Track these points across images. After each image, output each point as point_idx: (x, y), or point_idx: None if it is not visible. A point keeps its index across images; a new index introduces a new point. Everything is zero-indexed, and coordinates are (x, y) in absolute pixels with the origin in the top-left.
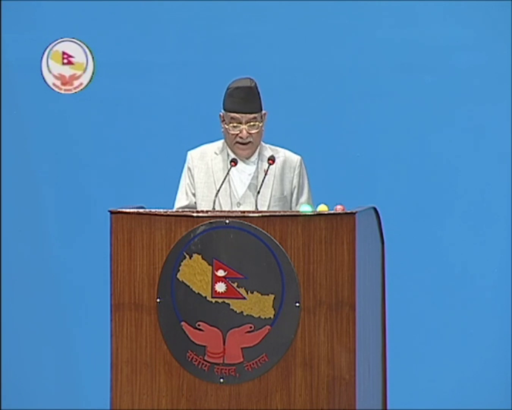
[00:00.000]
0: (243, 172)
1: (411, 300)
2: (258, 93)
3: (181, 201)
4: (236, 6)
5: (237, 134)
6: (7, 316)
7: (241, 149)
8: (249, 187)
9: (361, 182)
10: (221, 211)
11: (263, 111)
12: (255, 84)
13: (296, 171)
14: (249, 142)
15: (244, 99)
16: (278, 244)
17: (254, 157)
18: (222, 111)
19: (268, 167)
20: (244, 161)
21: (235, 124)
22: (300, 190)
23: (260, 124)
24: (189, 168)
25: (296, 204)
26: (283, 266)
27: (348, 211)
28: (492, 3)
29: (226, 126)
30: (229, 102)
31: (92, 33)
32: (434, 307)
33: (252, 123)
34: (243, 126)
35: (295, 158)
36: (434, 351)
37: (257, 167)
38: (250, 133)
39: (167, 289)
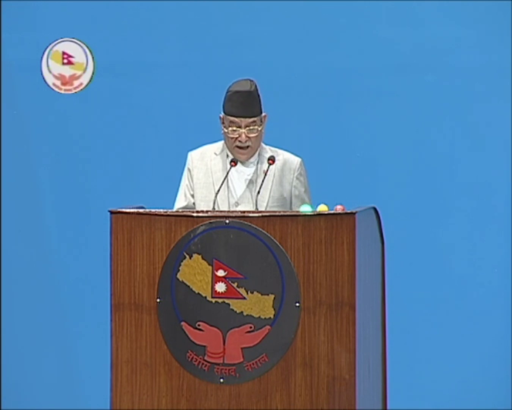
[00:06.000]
0: (242, 173)
1: (411, 300)
2: (258, 96)
3: (180, 202)
4: (236, 6)
5: (236, 138)
6: (7, 316)
7: (240, 153)
8: (247, 187)
9: (361, 182)
10: (221, 211)
11: (263, 114)
12: (255, 87)
13: (296, 173)
14: (248, 146)
15: (243, 104)
16: (278, 244)
17: (254, 158)
18: (222, 113)
19: (268, 167)
20: (243, 162)
21: (234, 128)
22: (299, 192)
23: (259, 128)
24: (188, 169)
25: (296, 205)
26: (283, 266)
27: (348, 211)
28: (492, 3)
29: (225, 130)
30: (228, 106)
31: (92, 33)
32: (434, 307)
33: (251, 127)
34: (242, 131)
35: (295, 160)
36: (434, 351)
37: (257, 168)
38: (248, 137)
39: (167, 289)
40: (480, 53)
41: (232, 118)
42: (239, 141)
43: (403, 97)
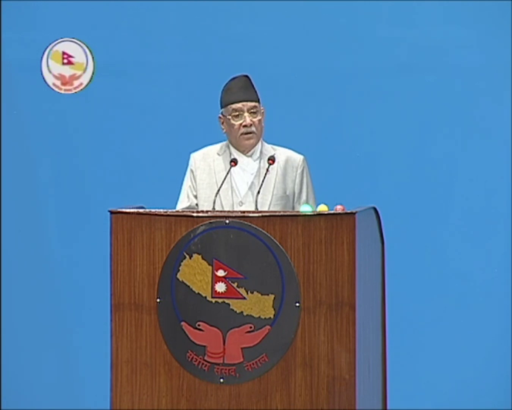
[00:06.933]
0: (245, 172)
1: (411, 300)
2: (254, 85)
3: (182, 203)
4: (236, 6)
5: (241, 124)
6: (7, 316)
7: (246, 139)
8: (250, 186)
9: (361, 182)
10: (221, 211)
11: (262, 107)
12: (250, 78)
13: (299, 171)
14: (253, 132)
15: (242, 88)
16: (278, 244)
17: (256, 156)
18: (221, 110)
19: (268, 167)
20: (246, 161)
21: (237, 114)
22: (302, 189)
23: (260, 118)
24: (191, 171)
25: (299, 203)
26: (283, 266)
27: (348, 211)
28: (492, 3)
29: (229, 118)
30: (227, 96)
31: (92, 33)
32: (434, 307)
33: (253, 111)
34: (246, 114)
35: (298, 158)
36: (434, 351)
37: (259, 167)
38: (252, 121)
39: (167, 289)
40: (480, 53)
41: (234, 106)
42: (244, 126)
43: (403, 97)
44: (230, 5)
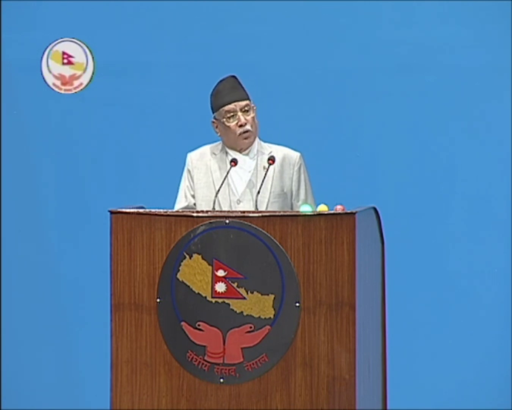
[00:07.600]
0: (242, 170)
1: (411, 300)
2: (242, 84)
3: (180, 203)
4: (236, 6)
5: (237, 125)
6: (7, 316)
7: (244, 138)
8: (248, 185)
9: (361, 182)
10: (221, 211)
11: (253, 104)
12: (237, 77)
13: (296, 168)
14: (249, 130)
15: (232, 89)
16: (278, 244)
17: (252, 154)
18: (214, 115)
19: (268, 167)
20: (242, 159)
21: (231, 115)
22: (300, 186)
23: (253, 115)
24: (188, 170)
25: (297, 200)
26: (283, 266)
27: (348, 211)
28: (492, 3)
29: (224, 121)
30: (219, 99)
31: (92, 33)
32: (434, 307)
33: (246, 109)
34: (239, 114)
35: (294, 155)
36: (434, 351)
37: (256, 165)
38: (247, 119)
39: (167, 289)
40: (480, 53)
41: (226, 108)
42: (240, 125)
43: (403, 97)
44: (230, 5)
